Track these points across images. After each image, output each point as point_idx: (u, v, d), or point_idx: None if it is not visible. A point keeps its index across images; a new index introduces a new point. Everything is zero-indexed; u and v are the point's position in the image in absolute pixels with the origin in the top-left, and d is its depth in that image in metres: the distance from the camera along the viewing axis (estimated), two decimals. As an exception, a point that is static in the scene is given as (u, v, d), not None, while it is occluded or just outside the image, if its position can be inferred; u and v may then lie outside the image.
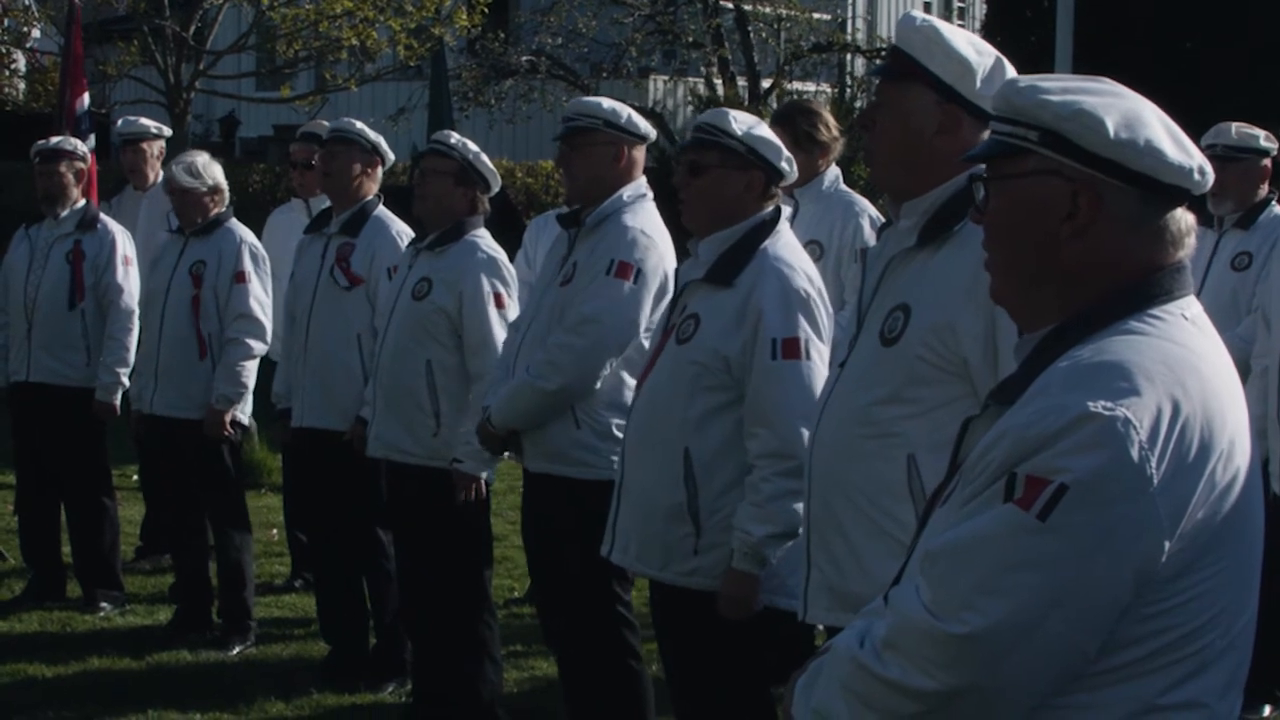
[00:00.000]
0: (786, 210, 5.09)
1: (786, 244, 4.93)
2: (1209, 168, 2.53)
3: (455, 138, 6.68)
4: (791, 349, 4.74)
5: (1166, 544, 2.32)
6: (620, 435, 5.38)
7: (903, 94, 3.88)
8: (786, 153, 4.99)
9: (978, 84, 3.83)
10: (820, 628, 4.69)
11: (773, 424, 4.69)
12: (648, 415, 4.93)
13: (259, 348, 7.85)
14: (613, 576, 5.58)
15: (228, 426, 7.80)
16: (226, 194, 8.02)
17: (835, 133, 7.04)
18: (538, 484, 5.77)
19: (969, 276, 3.73)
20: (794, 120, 7.02)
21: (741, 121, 4.94)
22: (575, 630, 5.71)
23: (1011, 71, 3.84)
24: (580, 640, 5.70)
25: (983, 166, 2.65)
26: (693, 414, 4.82)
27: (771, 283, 4.78)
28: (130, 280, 8.53)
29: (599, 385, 5.59)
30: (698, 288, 4.90)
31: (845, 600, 3.92)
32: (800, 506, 4.27)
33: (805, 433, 4.46)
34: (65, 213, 8.57)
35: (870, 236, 6.76)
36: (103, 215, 8.71)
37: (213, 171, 7.95)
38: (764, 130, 4.97)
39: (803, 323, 4.76)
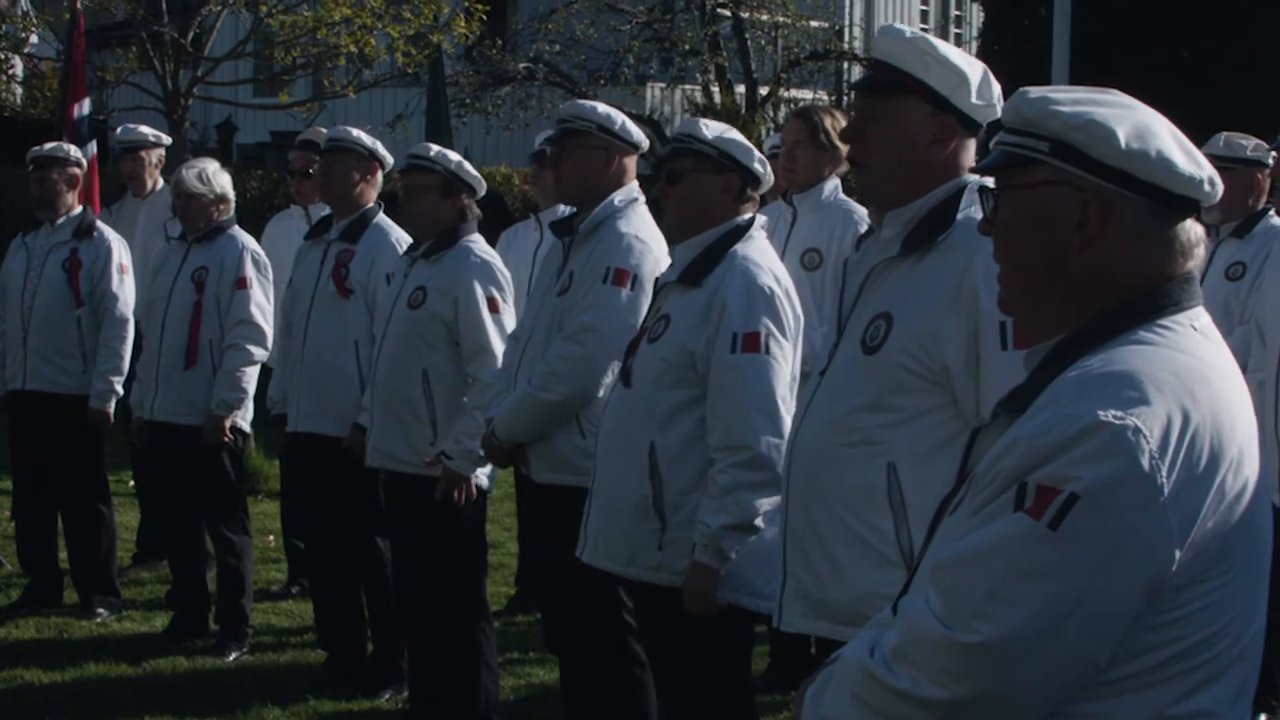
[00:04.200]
0: (761, 219, 5.14)
1: (758, 247, 5.02)
2: (1219, 179, 2.54)
3: (434, 149, 6.65)
4: (751, 343, 4.81)
5: (1177, 553, 2.33)
6: None
7: (896, 106, 3.90)
8: (759, 154, 5.09)
9: (973, 95, 3.86)
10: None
11: (730, 417, 4.76)
12: (618, 414, 5.02)
13: (259, 354, 7.84)
14: (620, 584, 5.60)
15: (228, 432, 7.81)
16: (232, 204, 8.04)
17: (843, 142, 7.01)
18: (545, 494, 5.77)
19: (952, 285, 3.77)
20: (815, 115, 7.00)
21: (712, 128, 5.07)
22: (582, 637, 5.72)
23: (996, 85, 3.89)
24: (587, 647, 5.70)
25: (979, 177, 2.66)
26: (659, 410, 4.89)
27: (737, 280, 4.87)
28: (125, 288, 8.54)
29: (602, 393, 5.61)
30: (671, 290, 5.00)
31: (822, 608, 3.95)
32: (760, 500, 4.53)
33: (763, 426, 4.64)
34: (61, 220, 8.57)
35: (867, 245, 6.77)
36: (99, 223, 8.71)
37: (221, 180, 7.97)
38: (735, 134, 5.08)
39: (764, 319, 4.84)
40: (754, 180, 5.05)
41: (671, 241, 5.22)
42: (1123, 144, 2.47)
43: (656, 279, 5.22)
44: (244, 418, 7.90)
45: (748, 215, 5.06)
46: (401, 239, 7.24)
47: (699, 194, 5.01)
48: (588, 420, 5.63)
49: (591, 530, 5.09)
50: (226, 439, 7.82)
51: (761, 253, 5.00)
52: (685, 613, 4.80)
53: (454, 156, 6.62)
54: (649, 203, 5.66)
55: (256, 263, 7.93)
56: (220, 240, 7.93)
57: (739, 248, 4.95)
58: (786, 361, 4.83)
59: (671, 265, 5.07)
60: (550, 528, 5.79)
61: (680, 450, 4.88)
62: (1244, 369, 6.65)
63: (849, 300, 4.00)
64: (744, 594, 4.74)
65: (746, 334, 4.81)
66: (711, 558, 4.72)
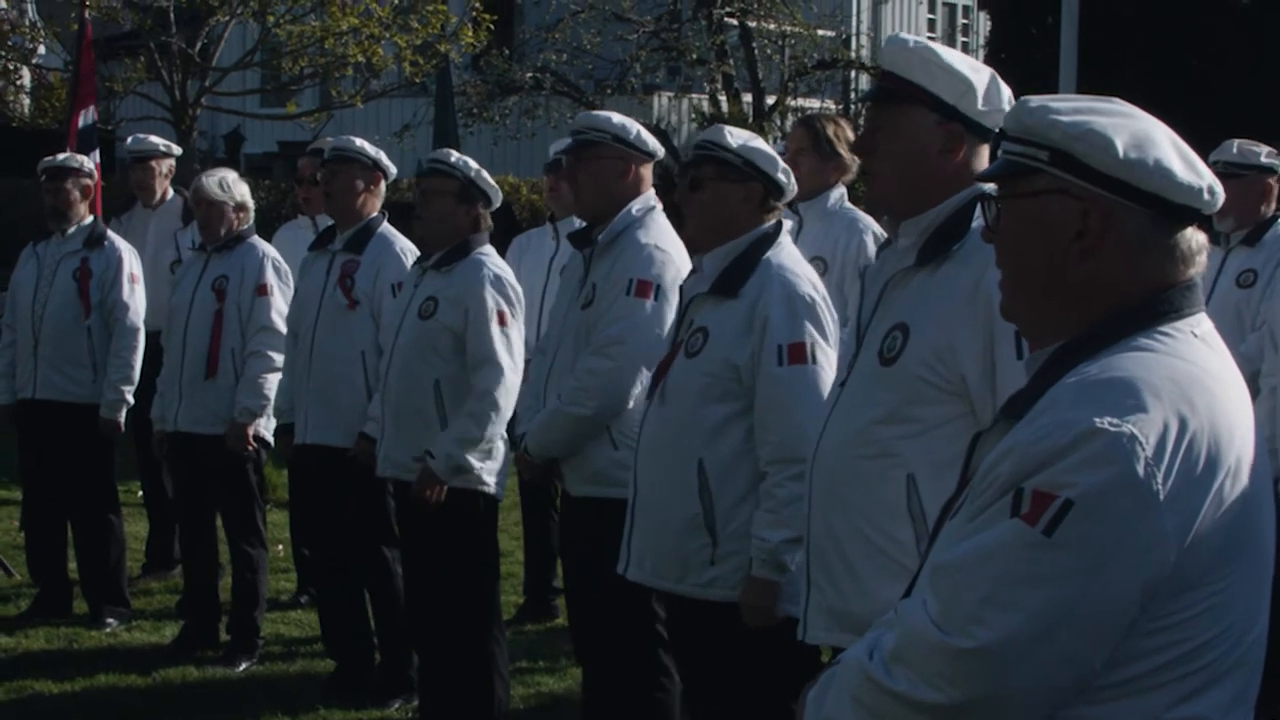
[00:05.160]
0: (788, 224, 5.12)
1: (789, 254, 4.98)
2: (1219, 187, 2.55)
3: (455, 156, 6.68)
4: (798, 354, 4.78)
5: (1172, 559, 2.34)
6: None
7: (902, 116, 3.90)
8: (783, 165, 5.04)
9: (979, 100, 3.86)
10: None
11: (782, 429, 4.72)
12: (659, 430, 4.96)
13: (281, 361, 7.84)
14: (653, 593, 5.59)
15: (250, 441, 7.82)
16: (251, 212, 8.07)
17: (854, 154, 6.99)
18: (580, 507, 5.77)
19: (967, 295, 3.75)
20: (818, 123, 7.00)
21: (737, 136, 5.02)
22: (613, 647, 5.71)
23: (1005, 88, 3.88)
24: (617, 657, 5.69)
25: (993, 186, 2.67)
26: (705, 425, 4.84)
27: (776, 290, 4.83)
28: (136, 298, 8.55)
29: (631, 404, 5.61)
30: (704, 301, 4.94)
31: (845, 621, 3.93)
32: None
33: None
34: (72, 229, 8.60)
35: (874, 253, 6.76)
36: (110, 232, 8.73)
37: (240, 189, 8.01)
38: (759, 143, 5.04)
39: (808, 327, 4.80)
40: (777, 190, 5.01)
41: (693, 250, 5.18)
42: (1121, 153, 2.49)
43: (682, 288, 5.17)
44: (266, 426, 7.90)
45: (773, 222, 5.03)
46: (406, 248, 7.25)
47: (721, 202, 4.96)
48: (619, 431, 5.64)
49: (635, 548, 5.05)
50: (250, 447, 7.83)
51: (794, 259, 4.97)
52: (739, 627, 4.76)
53: (474, 164, 6.64)
54: (670, 208, 5.64)
55: (277, 270, 7.95)
56: (240, 249, 7.95)
57: (771, 255, 4.92)
58: (831, 368, 4.79)
59: (699, 275, 5.01)
60: (584, 540, 5.79)
61: (729, 464, 4.84)
62: (1256, 375, 6.69)
63: (867, 311, 3.99)
64: (792, 604, 4.70)
65: (792, 345, 4.77)
66: (771, 572, 4.70)
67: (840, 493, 3.92)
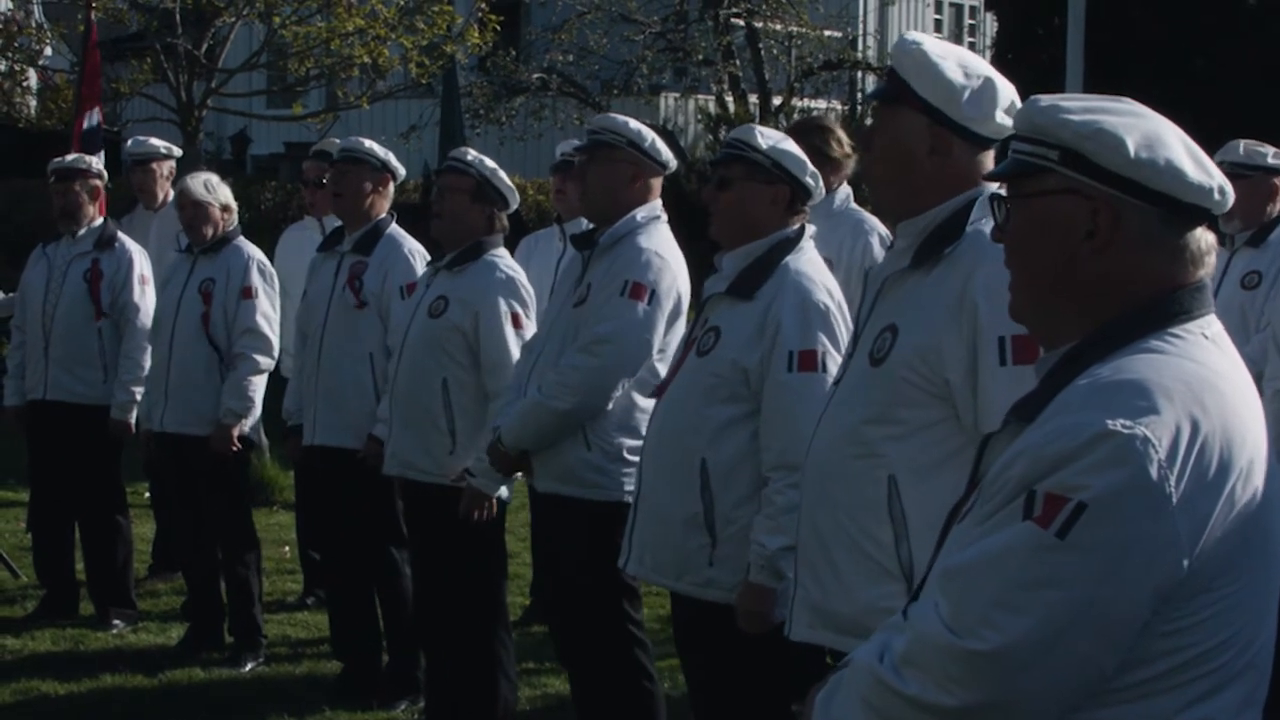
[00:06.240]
0: (812, 229, 5.09)
1: (809, 260, 4.96)
2: (1229, 188, 2.55)
3: (472, 154, 6.70)
4: (808, 362, 4.76)
5: (1185, 562, 2.33)
6: (631, 457, 5.44)
7: (895, 116, 3.90)
8: (812, 168, 5.02)
9: (963, 106, 3.83)
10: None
11: (786, 436, 4.70)
12: (666, 426, 4.96)
13: (265, 363, 7.88)
14: (623, 596, 5.59)
15: (235, 442, 7.82)
16: (235, 214, 8.08)
17: (848, 149, 7.01)
18: (546, 504, 5.79)
19: (954, 298, 3.75)
20: (807, 135, 7.01)
21: (768, 136, 4.99)
22: (587, 650, 5.71)
23: (1006, 91, 3.86)
24: (593, 660, 5.70)
25: (998, 185, 2.67)
26: (710, 425, 4.84)
27: (791, 296, 4.81)
28: (146, 299, 8.55)
29: (610, 406, 5.60)
30: (720, 301, 4.93)
31: (826, 619, 3.95)
32: None
33: None
34: (82, 231, 8.61)
35: (880, 254, 6.76)
36: (120, 234, 8.74)
37: (224, 191, 8.03)
38: (790, 145, 5.01)
39: (820, 336, 4.78)
40: (805, 193, 4.99)
41: (718, 249, 5.18)
42: (1132, 153, 2.48)
43: (704, 287, 5.14)
44: (250, 427, 7.91)
45: (797, 226, 5.00)
46: (415, 250, 7.25)
47: (747, 203, 4.95)
48: (594, 433, 5.63)
49: (637, 543, 5.06)
50: (234, 448, 7.83)
51: (813, 265, 4.95)
52: (734, 629, 4.76)
53: (490, 163, 6.65)
54: (675, 206, 5.61)
55: (262, 272, 7.97)
56: (226, 251, 7.96)
57: (790, 260, 4.90)
58: None
59: (718, 275, 5.00)
60: (551, 538, 5.79)
61: (731, 466, 4.83)
62: (1260, 377, 6.69)
63: (864, 311, 4.00)
64: (786, 608, 4.69)
65: (803, 352, 4.76)
66: (767, 578, 4.68)
67: (828, 491, 3.92)
